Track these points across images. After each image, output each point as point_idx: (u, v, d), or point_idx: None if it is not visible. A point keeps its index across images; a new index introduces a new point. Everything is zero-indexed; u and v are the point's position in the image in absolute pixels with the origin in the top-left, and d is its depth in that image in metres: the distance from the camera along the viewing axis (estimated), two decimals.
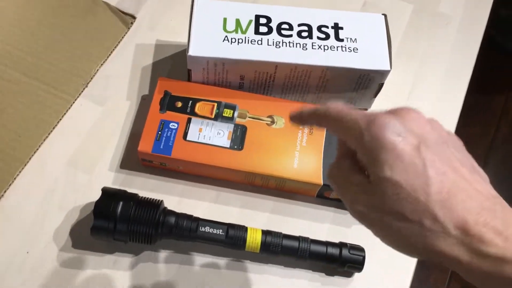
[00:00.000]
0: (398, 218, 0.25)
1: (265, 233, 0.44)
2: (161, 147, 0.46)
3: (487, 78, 1.27)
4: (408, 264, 0.47)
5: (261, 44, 0.47)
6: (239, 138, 0.47)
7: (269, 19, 0.49)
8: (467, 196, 0.24)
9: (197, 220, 0.43)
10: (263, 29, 0.48)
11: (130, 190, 0.44)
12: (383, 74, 0.48)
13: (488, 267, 0.23)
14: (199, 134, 0.47)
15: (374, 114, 0.26)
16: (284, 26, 0.49)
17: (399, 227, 0.25)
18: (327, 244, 0.44)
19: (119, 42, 0.55)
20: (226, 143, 0.46)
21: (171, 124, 0.47)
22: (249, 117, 0.48)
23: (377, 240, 0.47)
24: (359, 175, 0.27)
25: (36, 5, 0.55)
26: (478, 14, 0.63)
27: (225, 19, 0.48)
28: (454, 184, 0.25)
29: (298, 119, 0.32)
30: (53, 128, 0.49)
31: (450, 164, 0.25)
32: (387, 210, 0.25)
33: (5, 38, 0.52)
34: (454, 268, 0.25)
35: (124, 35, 0.55)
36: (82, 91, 0.51)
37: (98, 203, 0.42)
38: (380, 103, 0.53)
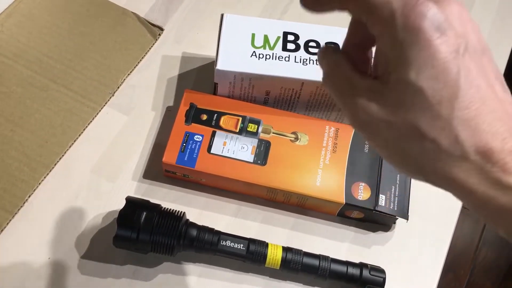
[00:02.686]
0: (411, 132, 0.21)
1: (286, 249, 0.44)
2: (185, 159, 0.46)
3: None
4: (428, 286, 0.46)
5: (288, 60, 0.48)
6: (262, 153, 0.47)
7: (297, 36, 0.49)
8: (496, 118, 0.21)
9: (219, 233, 0.43)
10: (290, 46, 0.49)
11: (152, 200, 0.44)
12: None
13: (507, 201, 0.20)
14: (223, 147, 0.47)
15: None
16: (311, 43, 0.49)
17: (410, 143, 0.22)
18: (348, 264, 0.44)
19: (146, 53, 0.56)
20: (250, 157, 0.47)
21: (196, 136, 0.47)
22: (273, 133, 0.48)
23: (397, 261, 0.47)
24: (366, 79, 0.23)
25: (67, 14, 0.56)
26: (501, 42, 0.62)
27: (253, 35, 0.49)
28: (486, 102, 0.21)
29: None
30: (79, 135, 0.50)
31: (486, 77, 0.21)
32: (400, 121, 0.21)
33: (36, 45, 0.53)
34: (463, 199, 0.22)
35: (152, 46, 0.56)
36: (108, 100, 0.52)
37: (122, 213, 0.42)
38: None
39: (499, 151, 0.20)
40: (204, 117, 0.48)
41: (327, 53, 0.26)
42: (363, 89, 0.23)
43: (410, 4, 0.21)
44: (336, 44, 0.27)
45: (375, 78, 0.23)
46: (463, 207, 0.50)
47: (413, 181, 0.47)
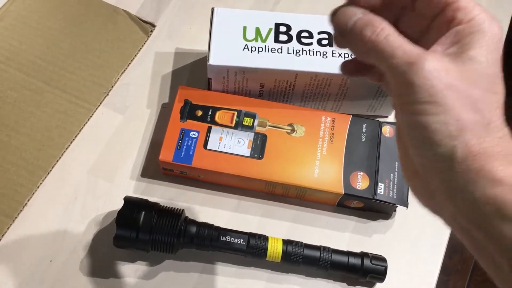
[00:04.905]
0: (468, 102, 0.23)
1: (286, 242, 0.44)
2: (182, 156, 0.46)
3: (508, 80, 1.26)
4: (430, 274, 0.46)
5: (281, 52, 0.47)
6: (259, 146, 0.47)
7: (289, 27, 0.49)
8: None
9: (218, 229, 0.43)
10: (283, 37, 0.48)
11: (151, 198, 0.44)
12: None
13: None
14: (220, 143, 0.47)
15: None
16: (304, 34, 0.48)
17: (461, 110, 0.23)
18: (349, 254, 0.44)
19: (139, 51, 0.55)
20: (247, 152, 0.46)
21: (192, 133, 0.47)
22: (269, 126, 0.48)
23: (399, 249, 0.47)
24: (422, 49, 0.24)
25: (58, 14, 0.56)
26: (499, 17, 0.62)
27: (245, 28, 0.48)
28: None
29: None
30: (75, 136, 0.50)
31: None
32: (463, 90, 0.23)
33: (28, 48, 0.53)
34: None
35: (144, 43, 0.56)
36: (103, 100, 0.52)
37: (120, 213, 0.42)
38: None
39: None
40: (199, 113, 0.48)
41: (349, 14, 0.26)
42: (433, 58, 0.24)
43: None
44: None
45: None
46: None
47: None
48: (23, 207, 0.46)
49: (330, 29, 0.49)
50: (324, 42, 0.48)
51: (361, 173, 0.46)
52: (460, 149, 0.23)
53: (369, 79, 0.31)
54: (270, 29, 0.48)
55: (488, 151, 0.22)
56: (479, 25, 0.24)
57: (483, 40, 0.24)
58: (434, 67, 0.23)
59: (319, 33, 0.49)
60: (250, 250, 0.43)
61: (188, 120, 0.48)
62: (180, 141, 0.46)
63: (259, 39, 0.48)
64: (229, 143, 0.47)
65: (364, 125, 0.48)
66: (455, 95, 0.23)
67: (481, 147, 0.22)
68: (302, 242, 0.44)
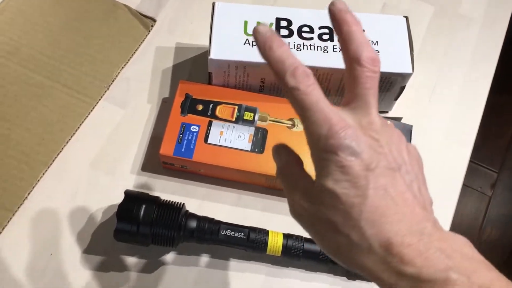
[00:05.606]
0: (330, 227, 0.26)
1: (287, 236, 0.44)
2: (183, 150, 0.46)
3: (507, 77, 1.26)
4: None
5: None
6: (260, 141, 0.47)
7: (289, 22, 0.49)
8: (399, 219, 0.26)
9: (219, 223, 0.43)
10: (284, 32, 0.48)
11: (151, 192, 0.44)
12: (404, 77, 0.48)
13: (405, 287, 0.24)
14: (220, 137, 0.47)
15: (340, 127, 0.26)
16: (305, 29, 0.49)
17: (330, 235, 0.27)
18: None
19: (139, 45, 0.55)
20: (247, 146, 0.47)
21: (192, 127, 0.47)
22: (270, 120, 0.48)
23: None
24: (305, 180, 0.29)
25: (59, 9, 0.56)
26: (499, 15, 0.62)
27: (246, 22, 0.48)
28: (391, 208, 0.26)
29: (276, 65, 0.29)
30: (76, 131, 0.50)
31: (395, 187, 0.26)
32: (322, 217, 0.27)
33: (29, 43, 0.53)
34: (377, 284, 0.26)
35: (145, 38, 0.56)
36: (103, 94, 0.52)
37: (121, 206, 0.42)
38: (401, 106, 0.53)
39: (398, 245, 0.25)
40: (200, 107, 0.48)
41: (280, 152, 0.31)
42: (301, 187, 0.28)
43: (332, 131, 0.26)
44: None
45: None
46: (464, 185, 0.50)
47: None
48: (23, 200, 0.46)
49: (331, 24, 0.49)
50: (325, 37, 0.48)
51: None
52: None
53: None
54: (271, 24, 0.49)
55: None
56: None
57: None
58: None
59: (320, 28, 0.49)
60: (250, 244, 0.43)
61: (188, 115, 0.48)
62: (181, 135, 0.47)
63: None
64: (229, 137, 0.47)
65: None
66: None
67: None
68: (302, 236, 0.44)
